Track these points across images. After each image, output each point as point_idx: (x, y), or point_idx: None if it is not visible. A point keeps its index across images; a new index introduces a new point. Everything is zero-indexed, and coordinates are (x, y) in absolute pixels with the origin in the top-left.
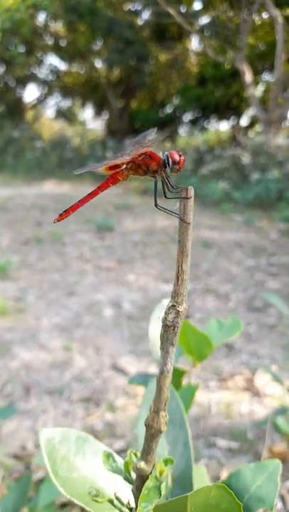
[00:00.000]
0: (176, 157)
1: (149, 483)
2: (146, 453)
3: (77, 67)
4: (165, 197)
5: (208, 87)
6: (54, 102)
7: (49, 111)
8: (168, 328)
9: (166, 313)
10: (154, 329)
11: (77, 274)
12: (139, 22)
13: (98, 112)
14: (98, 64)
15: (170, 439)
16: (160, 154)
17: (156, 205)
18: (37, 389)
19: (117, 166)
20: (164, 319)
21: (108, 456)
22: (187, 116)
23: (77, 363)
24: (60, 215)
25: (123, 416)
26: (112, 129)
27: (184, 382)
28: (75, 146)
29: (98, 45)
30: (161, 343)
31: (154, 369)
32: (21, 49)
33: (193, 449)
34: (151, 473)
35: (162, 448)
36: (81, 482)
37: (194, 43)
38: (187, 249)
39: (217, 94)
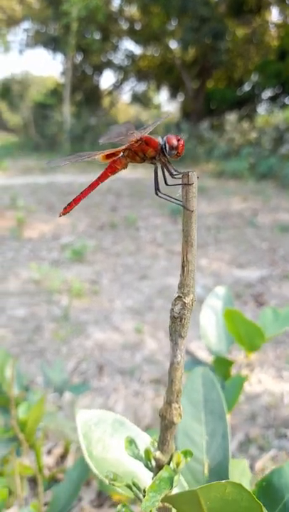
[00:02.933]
0: (174, 142)
1: (163, 473)
2: (162, 443)
3: (151, 50)
4: (166, 184)
5: None
6: (129, 87)
7: (125, 96)
8: (175, 320)
9: (173, 304)
10: (205, 316)
11: (149, 258)
12: None
13: (173, 94)
14: (173, 45)
15: (209, 429)
16: (158, 139)
17: (156, 193)
18: (109, 368)
19: (113, 155)
20: (171, 311)
21: (130, 442)
22: (266, 94)
23: (148, 345)
24: (65, 208)
25: None
26: (187, 111)
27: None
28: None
29: (173, 25)
30: (170, 335)
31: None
32: (97, 36)
33: (263, 438)
34: (169, 463)
35: (200, 438)
36: (114, 463)
37: (274, 15)
38: (192, 239)
39: None
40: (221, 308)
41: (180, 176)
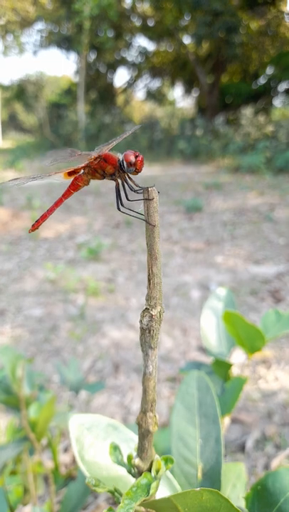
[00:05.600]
0: (132, 158)
1: (142, 480)
2: (141, 451)
3: (165, 45)
4: (127, 199)
5: None
6: (143, 84)
7: (139, 93)
8: (144, 332)
9: (141, 316)
10: (206, 318)
11: (165, 255)
12: None
13: (188, 90)
14: (186, 40)
15: (203, 433)
16: (118, 156)
17: (118, 209)
18: (125, 366)
19: (74, 172)
20: (140, 322)
21: (115, 448)
22: (283, 86)
23: (164, 344)
24: (33, 225)
25: None
26: (202, 106)
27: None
28: (164, 127)
29: (186, 20)
30: (141, 346)
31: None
32: (110, 34)
33: (279, 436)
34: (149, 470)
35: (194, 441)
36: (106, 468)
37: None
38: (156, 252)
39: None
40: (222, 309)
41: (141, 191)
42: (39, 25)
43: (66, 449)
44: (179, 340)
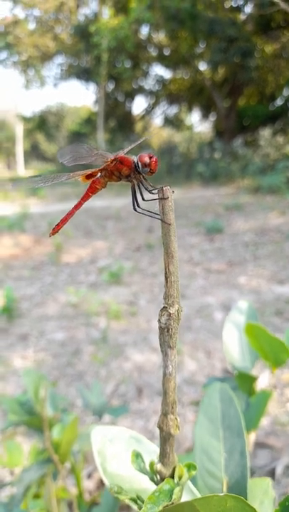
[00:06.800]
0: (146, 159)
1: (164, 485)
2: (163, 456)
3: (181, 73)
4: (143, 199)
5: None
6: (161, 111)
7: (157, 120)
8: (163, 331)
9: (159, 315)
10: (228, 332)
11: (186, 277)
12: (242, 17)
13: (205, 115)
14: (202, 67)
15: (227, 446)
16: (133, 158)
17: (135, 209)
18: (149, 390)
19: (92, 175)
20: (158, 322)
21: (137, 455)
22: None
23: (187, 366)
24: (53, 229)
25: None
26: (219, 130)
27: None
28: (183, 152)
29: (201, 47)
30: (160, 346)
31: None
32: (127, 64)
33: None
34: (172, 476)
35: (219, 455)
36: (129, 480)
37: None
38: (172, 251)
39: None
40: (244, 323)
41: (156, 191)
42: (59, 59)
43: (90, 475)
44: (203, 363)
